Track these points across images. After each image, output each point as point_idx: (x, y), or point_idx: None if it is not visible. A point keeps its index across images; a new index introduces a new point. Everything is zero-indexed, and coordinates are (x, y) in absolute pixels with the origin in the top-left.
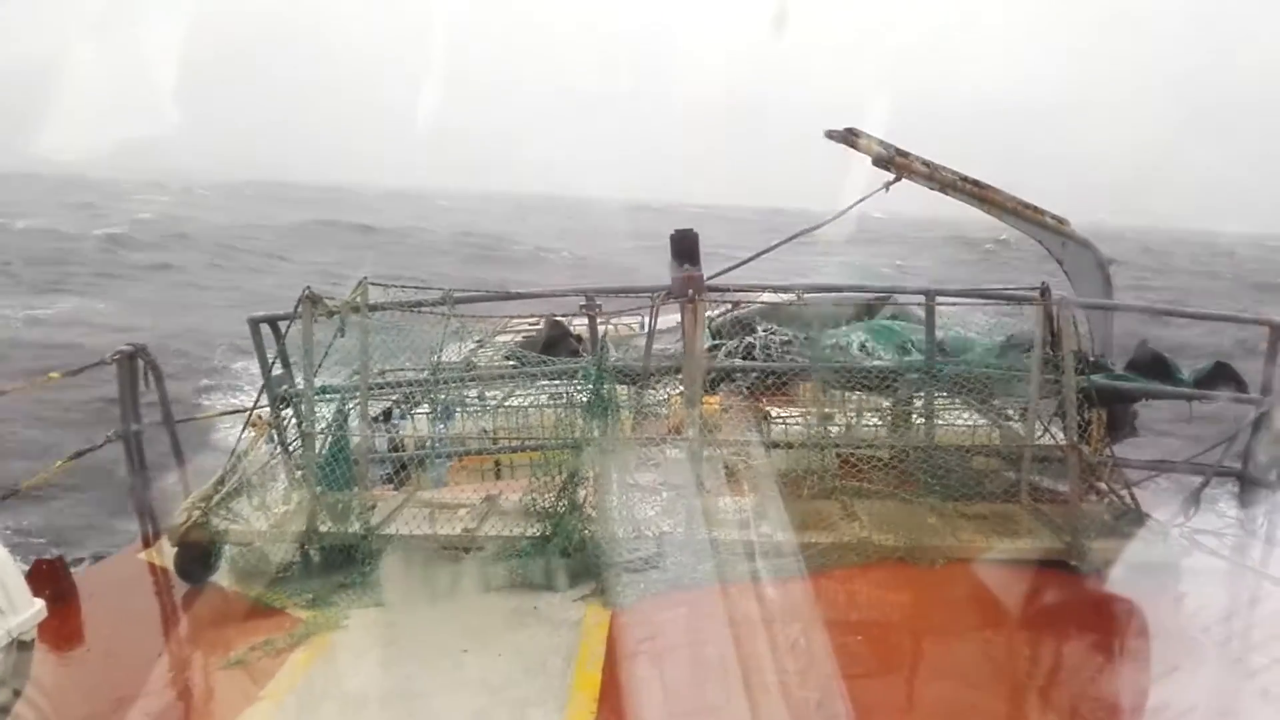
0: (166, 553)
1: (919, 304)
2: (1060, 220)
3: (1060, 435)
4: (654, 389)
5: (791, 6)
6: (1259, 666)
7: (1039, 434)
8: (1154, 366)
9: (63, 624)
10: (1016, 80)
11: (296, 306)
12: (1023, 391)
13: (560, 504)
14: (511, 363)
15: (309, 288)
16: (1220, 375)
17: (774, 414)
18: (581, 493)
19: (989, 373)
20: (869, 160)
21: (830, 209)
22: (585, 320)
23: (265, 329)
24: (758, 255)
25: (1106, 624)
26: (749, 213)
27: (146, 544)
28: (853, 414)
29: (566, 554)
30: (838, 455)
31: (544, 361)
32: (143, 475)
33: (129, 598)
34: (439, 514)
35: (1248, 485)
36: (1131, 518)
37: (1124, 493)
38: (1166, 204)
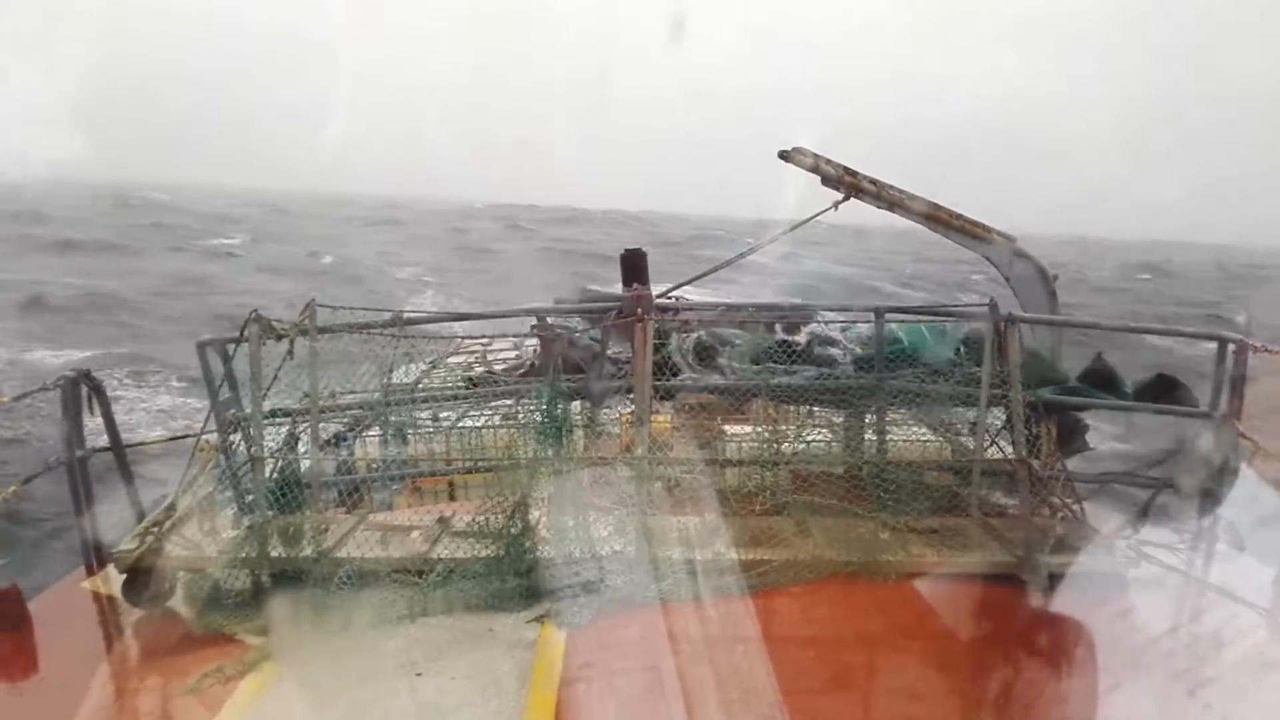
0: (116, 580)
1: (868, 321)
2: (1008, 237)
3: (1010, 450)
4: (607, 408)
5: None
6: (1204, 679)
7: (988, 448)
8: (1103, 380)
9: (16, 652)
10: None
11: (243, 329)
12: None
13: (513, 525)
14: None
15: (255, 310)
16: (1162, 387)
17: (729, 432)
18: (535, 513)
19: (939, 389)
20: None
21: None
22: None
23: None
24: (705, 275)
25: (1056, 637)
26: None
27: (94, 572)
28: (806, 429)
29: (520, 575)
30: (791, 471)
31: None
32: (89, 502)
33: (81, 626)
34: (391, 536)
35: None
36: (1081, 531)
37: (1075, 506)
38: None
